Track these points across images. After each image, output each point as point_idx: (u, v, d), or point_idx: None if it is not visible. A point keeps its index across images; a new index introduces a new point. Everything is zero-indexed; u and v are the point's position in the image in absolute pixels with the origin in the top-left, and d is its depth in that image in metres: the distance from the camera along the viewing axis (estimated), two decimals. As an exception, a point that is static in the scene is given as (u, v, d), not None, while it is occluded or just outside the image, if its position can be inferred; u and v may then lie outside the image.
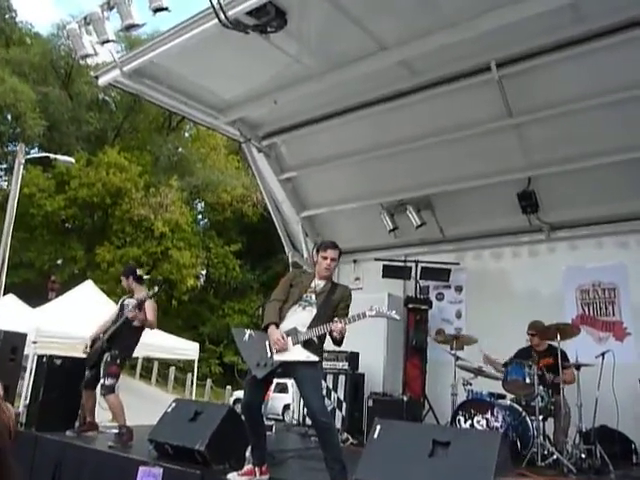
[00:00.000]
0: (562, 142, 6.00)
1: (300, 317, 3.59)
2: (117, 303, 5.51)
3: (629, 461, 5.31)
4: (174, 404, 4.26)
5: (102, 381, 4.91)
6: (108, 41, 5.05)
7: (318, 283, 3.74)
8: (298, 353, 3.44)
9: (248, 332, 3.68)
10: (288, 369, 3.52)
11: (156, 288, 5.34)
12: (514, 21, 4.58)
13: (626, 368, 5.26)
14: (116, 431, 4.85)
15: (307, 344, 3.47)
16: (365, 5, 4.79)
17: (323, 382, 6.57)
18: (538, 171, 6.36)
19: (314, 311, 3.60)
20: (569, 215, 6.63)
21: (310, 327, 3.50)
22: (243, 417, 3.65)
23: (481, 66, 5.54)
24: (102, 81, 6.01)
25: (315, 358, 3.44)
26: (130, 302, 5.13)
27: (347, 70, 5.53)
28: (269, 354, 3.47)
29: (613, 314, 6.36)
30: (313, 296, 3.67)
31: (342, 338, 3.51)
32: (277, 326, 3.53)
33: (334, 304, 3.63)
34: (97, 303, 10.82)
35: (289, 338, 3.46)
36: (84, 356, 5.21)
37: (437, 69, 5.67)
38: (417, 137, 6.54)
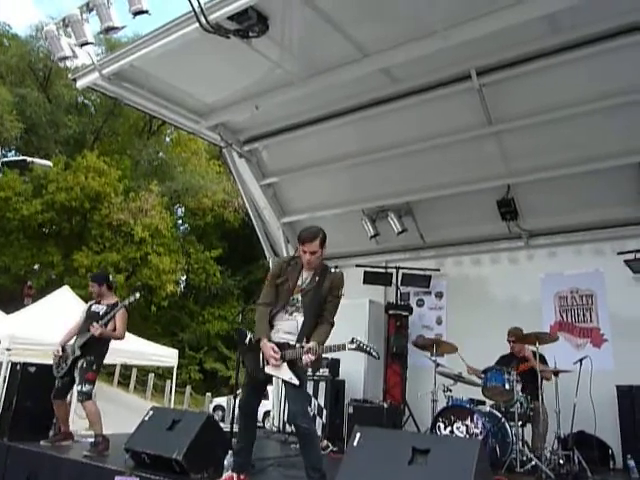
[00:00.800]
0: (541, 150, 6.09)
1: (289, 326, 3.49)
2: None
3: (606, 466, 5.38)
4: (151, 412, 4.18)
5: (79, 387, 4.79)
6: (87, 43, 4.98)
7: (305, 277, 3.58)
8: (284, 372, 3.39)
9: (249, 336, 3.63)
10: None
11: (137, 294, 5.22)
12: (493, 31, 4.64)
13: (603, 374, 5.33)
14: (92, 440, 4.76)
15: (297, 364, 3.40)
16: (347, 12, 4.80)
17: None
18: (517, 179, 6.44)
19: (300, 319, 3.48)
20: (548, 222, 6.72)
21: (298, 339, 3.42)
22: (238, 418, 3.59)
23: (461, 74, 5.59)
24: (80, 84, 5.92)
25: (296, 382, 3.37)
26: (99, 308, 5.06)
27: (329, 76, 5.54)
28: (261, 365, 3.45)
29: (590, 320, 6.44)
30: (299, 297, 3.52)
31: (316, 363, 3.40)
32: (269, 338, 3.44)
33: (322, 300, 3.48)
34: (74, 309, 10.60)
35: (279, 353, 3.38)
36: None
37: (418, 77, 5.71)
38: (398, 144, 6.57)
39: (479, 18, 4.54)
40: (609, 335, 6.26)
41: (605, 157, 5.79)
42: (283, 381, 3.48)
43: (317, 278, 3.54)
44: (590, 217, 6.43)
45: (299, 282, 3.56)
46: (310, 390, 6.59)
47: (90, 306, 5.22)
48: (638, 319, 5.92)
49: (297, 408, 3.39)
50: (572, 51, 5.02)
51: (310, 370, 3.55)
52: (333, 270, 3.65)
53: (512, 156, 6.32)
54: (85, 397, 4.74)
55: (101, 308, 5.06)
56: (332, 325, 3.49)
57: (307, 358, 3.29)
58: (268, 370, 3.41)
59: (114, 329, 4.98)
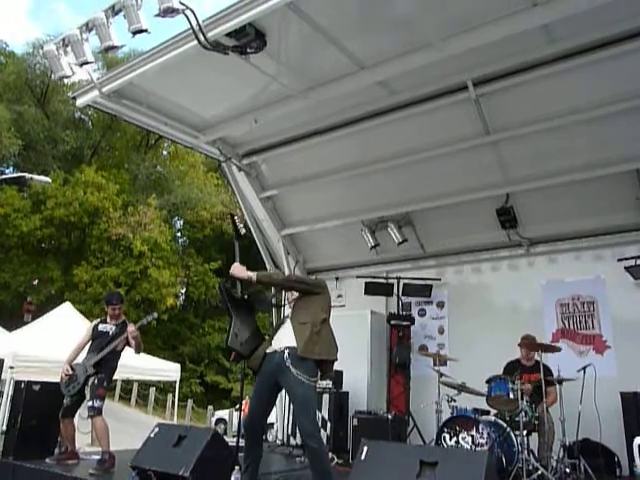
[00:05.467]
0: (539, 158, 6.13)
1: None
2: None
3: (612, 474, 5.37)
4: (157, 429, 4.18)
5: (90, 403, 4.84)
6: (87, 63, 5.00)
7: None
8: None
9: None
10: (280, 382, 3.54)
11: (149, 317, 5.34)
12: (489, 42, 4.69)
13: (607, 381, 5.33)
14: (98, 457, 4.76)
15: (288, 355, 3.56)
16: (343, 26, 4.84)
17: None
18: (516, 187, 6.47)
19: None
20: (547, 230, 6.74)
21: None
22: (244, 436, 3.61)
23: (458, 85, 5.64)
24: (80, 102, 5.95)
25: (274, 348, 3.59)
26: (107, 327, 5.18)
27: (326, 90, 5.58)
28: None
29: (593, 327, 6.45)
30: None
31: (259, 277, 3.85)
32: None
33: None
34: (76, 325, 10.60)
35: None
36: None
37: (415, 89, 5.74)
38: (397, 155, 6.61)
39: (474, 29, 4.58)
40: (611, 342, 6.27)
41: (603, 164, 5.82)
42: (290, 400, 3.51)
43: None
44: (590, 224, 6.45)
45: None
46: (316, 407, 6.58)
47: (96, 325, 5.26)
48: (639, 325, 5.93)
49: (304, 428, 3.41)
50: (567, 60, 5.07)
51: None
52: None
53: (510, 165, 6.36)
54: (96, 412, 4.80)
55: (110, 327, 5.15)
56: (283, 273, 3.71)
57: None
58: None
59: (122, 348, 5.10)
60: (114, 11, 4.70)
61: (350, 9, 4.66)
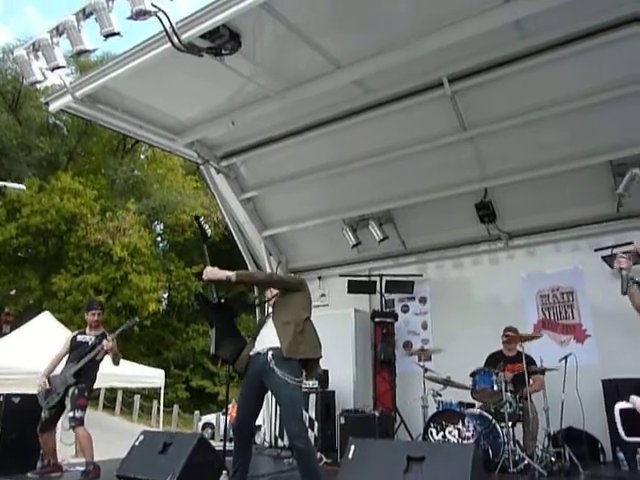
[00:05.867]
0: (515, 153, 6.20)
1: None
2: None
3: (597, 460, 5.46)
4: (142, 436, 4.13)
5: (71, 414, 4.77)
6: (59, 67, 4.92)
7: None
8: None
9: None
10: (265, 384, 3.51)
11: (130, 323, 5.30)
12: (462, 39, 4.72)
13: (588, 369, 5.40)
14: (82, 469, 4.68)
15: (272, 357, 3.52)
16: (318, 26, 4.85)
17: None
18: (493, 182, 6.54)
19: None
20: (526, 223, 6.83)
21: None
22: (233, 439, 3.58)
23: (434, 82, 5.68)
24: (53, 107, 5.85)
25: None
26: (86, 338, 5.13)
27: (302, 90, 5.57)
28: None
29: (573, 317, 6.55)
30: None
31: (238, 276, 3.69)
32: None
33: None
34: (55, 334, 10.43)
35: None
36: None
37: (391, 87, 5.77)
38: (376, 153, 6.63)
39: (448, 27, 4.62)
40: (591, 330, 6.37)
41: (577, 157, 5.92)
42: (276, 401, 3.49)
43: None
44: (567, 216, 6.55)
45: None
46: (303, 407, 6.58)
47: (75, 337, 5.21)
48: (618, 313, 5.98)
49: (291, 428, 3.38)
50: (540, 55, 5.14)
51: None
52: None
53: (487, 160, 6.43)
54: (78, 423, 4.73)
55: (89, 338, 5.10)
56: (264, 272, 3.69)
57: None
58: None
59: (102, 358, 5.05)
60: (85, 14, 4.63)
61: (324, 9, 4.67)
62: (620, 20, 4.71)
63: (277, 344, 3.44)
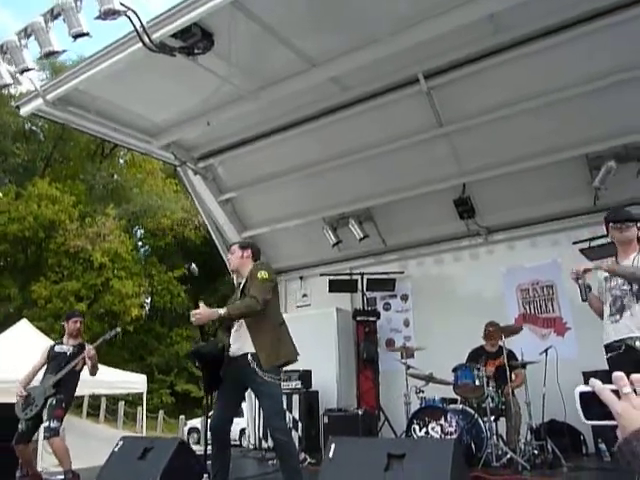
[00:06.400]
0: (491, 148, 6.22)
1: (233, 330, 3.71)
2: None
3: (579, 452, 5.50)
4: (121, 442, 4.06)
5: (47, 424, 4.71)
6: (27, 70, 4.81)
7: (241, 282, 3.87)
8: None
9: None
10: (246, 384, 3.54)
11: (112, 333, 5.24)
12: (437, 34, 4.73)
13: (569, 362, 5.44)
14: (61, 477, 4.60)
15: (252, 358, 3.49)
16: (292, 24, 4.82)
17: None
18: (471, 177, 6.56)
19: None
20: (504, 217, 6.86)
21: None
22: (211, 440, 3.59)
23: (410, 79, 5.68)
24: (24, 111, 5.74)
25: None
26: (64, 349, 5.09)
27: (278, 89, 5.53)
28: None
29: (552, 310, 6.60)
30: (234, 297, 3.80)
31: (230, 312, 3.49)
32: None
33: (247, 291, 3.64)
34: (34, 343, 10.24)
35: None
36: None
37: (367, 84, 5.76)
38: (354, 151, 6.62)
39: (422, 23, 4.61)
40: (571, 323, 6.42)
41: (553, 151, 5.96)
42: (257, 397, 3.48)
43: (248, 278, 3.75)
44: (544, 209, 6.59)
45: (236, 284, 3.94)
46: (284, 404, 6.53)
47: (53, 347, 5.17)
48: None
49: (273, 422, 3.41)
50: (513, 50, 5.16)
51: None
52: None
53: (464, 155, 6.45)
54: (52, 433, 4.65)
55: (67, 348, 5.05)
56: (255, 300, 3.47)
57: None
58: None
59: (81, 368, 5.00)
60: (53, 15, 4.54)
61: (298, 6, 4.64)
62: (590, 13, 4.76)
63: (254, 350, 3.45)
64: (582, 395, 0.98)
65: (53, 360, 5.01)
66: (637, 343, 3.45)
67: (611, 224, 3.76)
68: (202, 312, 3.38)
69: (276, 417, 3.45)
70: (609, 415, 0.92)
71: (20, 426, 4.78)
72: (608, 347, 3.66)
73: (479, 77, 5.56)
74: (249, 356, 3.45)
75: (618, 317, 3.57)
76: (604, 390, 0.94)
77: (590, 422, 0.98)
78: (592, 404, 0.95)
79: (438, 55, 5.33)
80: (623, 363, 3.40)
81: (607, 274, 3.72)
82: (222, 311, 3.39)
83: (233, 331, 3.63)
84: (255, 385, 3.46)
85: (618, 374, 0.93)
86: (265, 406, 3.52)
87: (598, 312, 3.84)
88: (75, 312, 5.63)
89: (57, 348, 5.10)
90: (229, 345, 3.61)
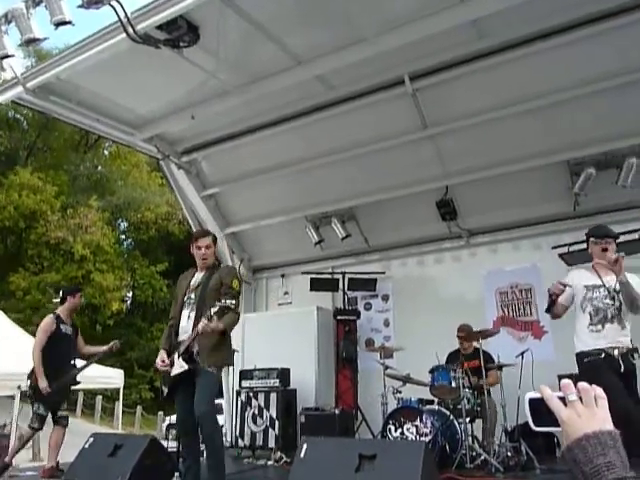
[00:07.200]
0: (475, 151, 6.25)
1: (184, 325, 3.66)
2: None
3: (552, 455, 5.53)
4: (92, 439, 4.01)
5: (66, 413, 5.17)
6: (7, 56, 4.74)
7: (197, 277, 3.81)
8: (177, 366, 3.55)
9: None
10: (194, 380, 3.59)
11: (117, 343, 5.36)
12: (424, 36, 4.73)
13: (545, 365, 5.47)
14: (33, 473, 4.59)
15: (192, 353, 3.55)
16: (279, 21, 4.79)
17: (255, 401, 6.50)
18: (454, 179, 6.58)
19: (192, 314, 3.64)
20: (486, 220, 6.90)
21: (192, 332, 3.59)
22: (179, 436, 3.64)
23: (395, 80, 5.67)
24: (3, 99, 5.62)
25: (185, 367, 3.51)
26: (67, 329, 5.23)
27: (264, 84, 5.51)
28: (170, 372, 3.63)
29: (530, 314, 6.65)
30: (192, 295, 3.72)
31: (225, 328, 3.54)
32: (166, 350, 3.69)
33: (212, 294, 3.60)
34: (8, 334, 10.11)
35: (175, 354, 3.57)
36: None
37: (353, 83, 5.76)
38: (339, 150, 6.61)
39: (407, 25, 4.62)
40: (548, 327, 6.46)
41: (536, 155, 6.00)
42: (197, 386, 3.57)
43: (208, 274, 3.76)
44: (526, 214, 6.64)
45: (192, 282, 3.79)
46: (261, 402, 6.52)
47: (58, 325, 5.15)
48: (573, 310, 6.14)
49: (202, 407, 3.47)
50: (497, 55, 5.19)
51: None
52: (224, 265, 3.91)
53: (448, 158, 6.46)
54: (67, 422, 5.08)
55: (68, 329, 5.16)
56: (238, 316, 3.66)
57: (201, 325, 3.42)
58: (172, 374, 3.57)
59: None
60: (35, 2, 4.48)
61: (286, 3, 4.61)
62: (575, 22, 4.80)
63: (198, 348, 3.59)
64: (531, 401, 0.99)
65: (61, 342, 4.98)
66: (615, 352, 3.69)
67: (592, 239, 3.96)
68: (212, 325, 3.45)
69: (205, 401, 3.54)
70: (558, 422, 0.92)
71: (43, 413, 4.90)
72: (585, 354, 3.81)
73: (464, 80, 5.58)
74: (195, 351, 3.59)
75: (600, 327, 3.76)
76: (552, 397, 0.94)
77: (538, 428, 0.99)
78: (541, 411, 0.96)
79: (424, 57, 5.34)
80: (602, 366, 3.65)
81: (589, 283, 3.89)
82: (221, 326, 3.51)
83: (182, 320, 3.70)
84: (199, 374, 3.56)
85: (565, 381, 0.94)
86: (199, 390, 3.58)
87: (556, 315, 4.09)
88: (77, 286, 5.59)
89: (62, 328, 5.04)
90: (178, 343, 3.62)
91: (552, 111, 5.66)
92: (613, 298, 3.77)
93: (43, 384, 4.79)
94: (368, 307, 7.74)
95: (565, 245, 6.22)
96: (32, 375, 4.91)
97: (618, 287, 3.74)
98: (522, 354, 5.19)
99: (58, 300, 5.40)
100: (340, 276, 7.59)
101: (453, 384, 5.07)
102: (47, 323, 5.10)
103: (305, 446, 2.84)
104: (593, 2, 4.61)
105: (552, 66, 5.30)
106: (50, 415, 4.96)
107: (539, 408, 0.95)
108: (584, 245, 5.64)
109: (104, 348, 5.38)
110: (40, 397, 4.83)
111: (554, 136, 5.87)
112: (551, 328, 6.42)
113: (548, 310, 4.04)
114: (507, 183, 6.42)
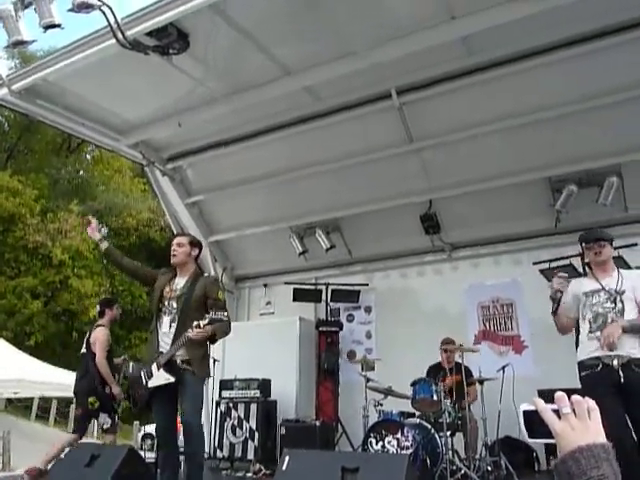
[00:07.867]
0: (459, 166, 6.32)
1: (165, 332, 3.60)
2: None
3: (532, 469, 5.57)
4: (68, 449, 3.92)
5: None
6: (-7, 57, 4.69)
7: (178, 282, 3.74)
8: (161, 378, 3.46)
9: (131, 364, 3.83)
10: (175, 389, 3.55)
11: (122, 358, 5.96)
12: (412, 52, 4.79)
13: (525, 379, 5.51)
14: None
15: (175, 363, 3.50)
16: (269, 31, 4.82)
17: (234, 412, 6.43)
18: (438, 194, 6.64)
19: (175, 324, 3.58)
20: (468, 235, 6.96)
21: (173, 342, 3.52)
22: (157, 447, 3.58)
23: (382, 93, 5.73)
24: (-14, 100, 5.56)
25: (171, 379, 3.44)
26: None
27: (252, 94, 5.52)
28: (144, 382, 3.53)
29: (512, 328, 6.70)
30: (174, 303, 3.64)
31: (216, 333, 3.51)
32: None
33: (195, 305, 3.58)
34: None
35: (154, 365, 3.50)
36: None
37: (341, 95, 5.80)
38: (324, 161, 6.63)
39: (397, 40, 4.68)
40: (529, 342, 6.53)
41: (518, 172, 6.08)
42: (184, 396, 3.52)
43: (189, 283, 3.68)
44: (507, 229, 6.71)
45: (173, 287, 3.70)
46: (241, 413, 6.46)
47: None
48: (554, 325, 6.21)
49: (191, 418, 3.45)
50: (484, 72, 5.29)
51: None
52: (206, 274, 3.87)
53: (433, 172, 6.52)
54: None
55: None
56: (230, 324, 3.62)
57: (193, 332, 3.38)
58: (150, 384, 3.50)
59: None
60: (24, 3, 4.44)
61: (277, 14, 4.63)
62: (556, 43, 4.91)
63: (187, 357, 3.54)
64: (526, 413, 1.00)
65: (110, 353, 5.40)
66: (615, 362, 3.38)
67: (584, 244, 3.80)
68: (207, 329, 3.41)
69: (194, 411, 3.55)
70: (552, 434, 0.93)
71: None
72: (582, 365, 3.60)
73: (450, 96, 5.66)
74: (179, 360, 3.54)
75: (599, 334, 3.50)
76: (546, 410, 0.95)
77: (533, 440, 1.00)
78: (535, 422, 0.97)
79: (412, 72, 5.41)
80: (597, 383, 3.39)
81: (588, 289, 3.68)
82: (211, 330, 3.48)
83: (161, 327, 3.64)
84: (182, 382, 3.52)
85: (559, 394, 0.95)
86: (186, 399, 3.56)
87: (563, 327, 3.83)
88: (113, 297, 5.85)
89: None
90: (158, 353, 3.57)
91: (535, 129, 5.76)
92: (614, 301, 3.52)
93: (117, 390, 5.25)
94: (350, 319, 7.74)
95: (546, 261, 6.29)
96: (95, 389, 5.16)
97: (618, 288, 3.53)
98: (503, 368, 5.23)
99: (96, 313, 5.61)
100: (323, 287, 7.58)
101: (435, 397, 5.08)
102: (106, 334, 5.61)
103: (287, 458, 2.82)
104: (571, 25, 4.73)
105: (536, 85, 5.41)
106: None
107: (533, 420, 0.96)
108: (565, 261, 5.80)
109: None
110: (107, 408, 5.23)
111: (536, 153, 5.96)
112: (531, 343, 6.50)
113: (555, 312, 3.72)
114: (490, 198, 6.50)
